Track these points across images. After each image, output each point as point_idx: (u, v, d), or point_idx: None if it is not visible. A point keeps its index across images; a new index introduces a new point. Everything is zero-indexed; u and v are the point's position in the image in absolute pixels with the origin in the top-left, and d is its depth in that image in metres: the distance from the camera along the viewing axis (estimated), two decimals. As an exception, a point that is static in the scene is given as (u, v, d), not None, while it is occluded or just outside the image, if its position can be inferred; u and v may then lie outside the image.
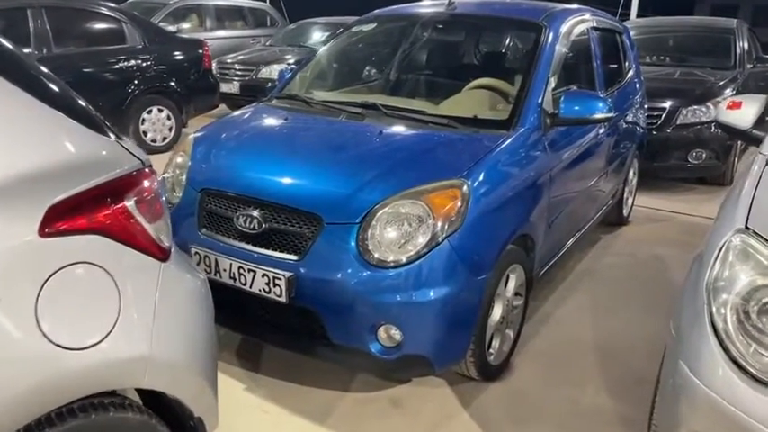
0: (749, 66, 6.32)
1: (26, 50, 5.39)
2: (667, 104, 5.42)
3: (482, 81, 3.24)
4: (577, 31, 3.39)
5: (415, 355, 2.23)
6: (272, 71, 8.17)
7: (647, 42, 7.02)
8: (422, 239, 2.19)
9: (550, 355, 2.90)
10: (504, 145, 2.55)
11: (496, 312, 2.53)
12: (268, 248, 2.31)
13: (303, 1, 15.06)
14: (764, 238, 1.66)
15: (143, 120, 6.32)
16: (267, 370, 2.65)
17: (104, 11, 6.12)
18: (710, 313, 1.64)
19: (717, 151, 5.37)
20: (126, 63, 6.13)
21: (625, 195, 4.55)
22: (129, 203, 1.48)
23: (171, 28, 9.62)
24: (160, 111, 6.46)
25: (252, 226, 2.34)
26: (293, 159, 2.49)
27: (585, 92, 2.96)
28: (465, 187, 2.27)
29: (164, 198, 1.68)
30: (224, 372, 2.62)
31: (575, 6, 3.63)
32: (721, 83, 5.75)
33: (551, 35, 3.06)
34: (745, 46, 6.47)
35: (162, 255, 1.56)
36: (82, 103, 1.58)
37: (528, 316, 3.17)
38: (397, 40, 3.80)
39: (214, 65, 9.34)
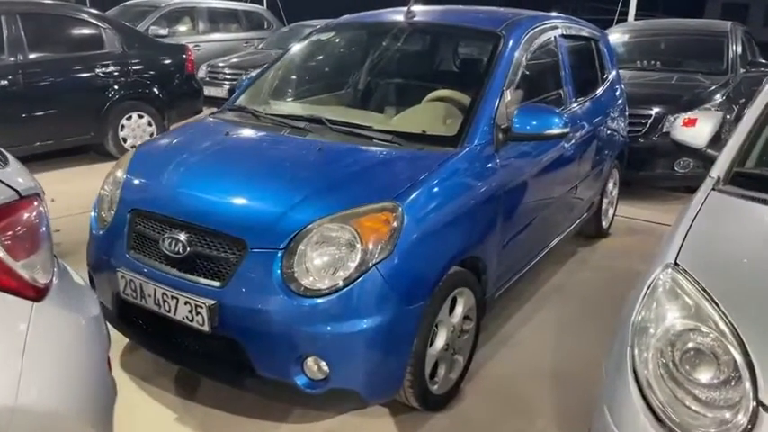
0: (742, 70, 6.14)
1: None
2: (653, 111, 5.26)
3: (441, 93, 3.11)
4: (542, 39, 3.26)
5: (343, 388, 2.11)
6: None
7: (638, 46, 6.87)
8: (350, 266, 2.06)
9: (505, 381, 2.76)
10: (447, 164, 2.42)
11: (440, 340, 2.40)
12: (192, 274, 2.21)
13: (301, 4, 15.00)
14: (692, 277, 1.52)
15: (122, 126, 6.24)
16: (203, 398, 2.54)
17: (82, 16, 6.05)
18: (633, 357, 1.51)
19: (704, 160, 5.20)
20: (104, 69, 6.04)
21: (604, 207, 4.39)
22: (-9, 241, 1.37)
23: (162, 31, 9.56)
24: (140, 117, 6.38)
25: (177, 249, 2.23)
26: (223, 179, 2.38)
27: (540, 106, 2.83)
28: (398, 210, 2.14)
29: (45, 228, 1.57)
30: (158, 400, 2.53)
31: (542, 13, 3.49)
32: (711, 88, 5.58)
33: (509, 45, 2.92)
34: (739, 50, 6.28)
35: (35, 293, 1.45)
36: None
37: (487, 337, 3.06)
38: (356, 49, 3.68)
39: (204, 68, 9.34)
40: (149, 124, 6.45)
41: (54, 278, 1.57)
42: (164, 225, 2.30)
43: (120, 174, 2.61)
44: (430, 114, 2.93)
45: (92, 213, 2.65)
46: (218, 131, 2.80)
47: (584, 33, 3.99)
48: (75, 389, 1.53)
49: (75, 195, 4.76)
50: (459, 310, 2.50)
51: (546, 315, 3.36)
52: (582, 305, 3.50)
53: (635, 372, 1.48)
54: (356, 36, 3.73)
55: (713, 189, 1.88)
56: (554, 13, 3.83)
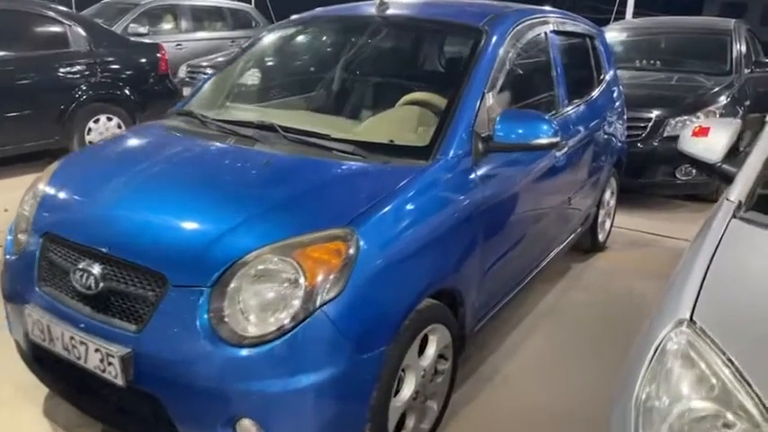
0: (747, 71, 5.78)
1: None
2: (654, 114, 4.90)
3: (415, 96, 2.74)
4: (531, 35, 2.89)
5: (284, 456, 1.74)
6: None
7: (637, 45, 6.51)
8: (292, 308, 1.70)
9: (489, 426, 2.40)
10: (416, 180, 2.06)
11: (407, 388, 2.03)
12: (106, 314, 1.84)
13: (291, 2, 14.60)
14: (714, 341, 1.16)
15: (89, 129, 5.86)
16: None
17: (44, 12, 5.65)
18: (638, 447, 1.15)
19: (722, 179, 4.82)
20: (69, 68, 5.66)
21: (600, 218, 4.03)
22: None
23: (142, 30, 9.19)
24: (109, 119, 5.99)
25: (88, 284, 1.86)
26: (146, 200, 2.00)
27: (527, 112, 2.46)
28: (352, 238, 1.77)
29: None
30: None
31: (532, 7, 3.12)
32: (715, 90, 5.23)
33: (492, 41, 2.55)
34: (743, 49, 5.93)
35: None
36: None
37: (469, 373, 2.70)
38: (323, 46, 3.31)
39: (184, 68, 8.94)
40: (119, 127, 6.05)
41: None
42: (76, 254, 1.93)
43: (39, 188, 2.25)
44: (401, 121, 2.56)
45: (8, 235, 2.28)
46: (155, 141, 2.43)
47: (578, 30, 3.63)
48: None
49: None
50: (430, 350, 2.13)
51: (535, 344, 3.00)
52: (576, 331, 3.14)
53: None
54: (323, 31, 3.35)
55: (734, 217, 1.51)
56: (546, 7, 3.46)
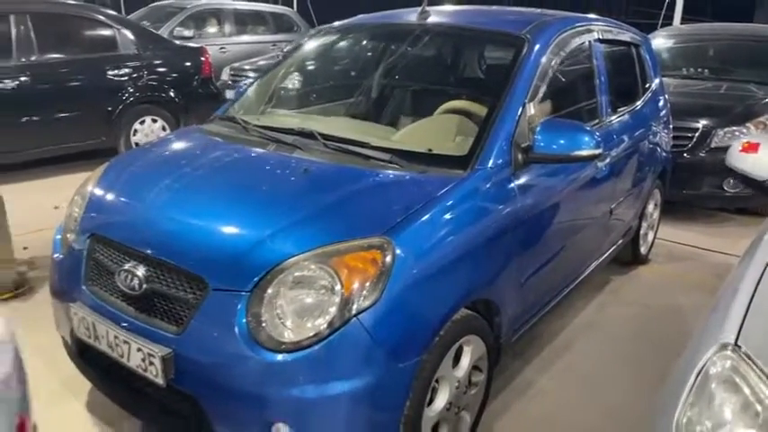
0: (801, 80, 5.56)
1: (7, 58, 5.16)
2: (701, 124, 4.76)
3: (455, 104, 2.74)
4: (574, 44, 2.84)
5: (317, 462, 1.76)
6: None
7: (684, 52, 6.34)
8: (328, 316, 1.71)
9: (520, 440, 2.38)
10: (454, 190, 2.05)
11: (441, 399, 2.02)
12: (148, 315, 1.89)
13: (332, 6, 14.74)
14: (759, 367, 1.12)
15: (135, 130, 6.03)
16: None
17: (95, 16, 5.85)
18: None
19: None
20: (117, 71, 5.84)
21: (643, 231, 3.94)
22: None
23: (188, 33, 9.41)
24: (154, 121, 6.16)
25: (132, 285, 1.91)
26: (190, 204, 2.05)
27: (568, 122, 2.42)
28: (389, 247, 1.78)
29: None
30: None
31: (576, 15, 3.08)
32: (766, 100, 5.04)
33: (535, 50, 2.52)
34: (797, 57, 5.71)
35: None
36: None
37: (504, 383, 2.67)
38: (364, 54, 3.33)
39: (227, 71, 9.12)
40: (163, 129, 6.22)
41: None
42: (122, 255, 1.99)
43: (87, 189, 2.32)
44: (439, 129, 2.56)
45: (56, 235, 2.37)
46: (198, 146, 2.48)
47: (623, 38, 3.55)
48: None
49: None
50: (465, 361, 2.12)
51: (572, 359, 2.94)
52: (614, 348, 3.06)
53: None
54: (364, 39, 3.37)
55: (785, 237, 1.46)
56: (590, 15, 3.41)
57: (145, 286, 1.88)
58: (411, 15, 3.01)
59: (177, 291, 1.84)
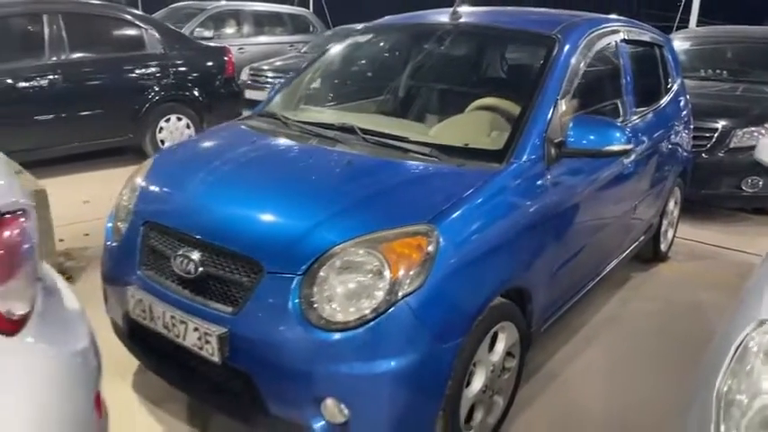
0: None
1: (40, 57, 5.31)
2: (720, 125, 4.83)
3: (487, 101, 2.83)
4: (602, 44, 2.94)
5: (365, 435, 1.86)
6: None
7: (702, 54, 6.40)
8: (377, 298, 1.81)
9: (548, 427, 2.46)
10: (492, 182, 2.15)
11: (477, 381, 2.12)
12: (204, 297, 1.99)
13: (347, 7, 14.88)
14: (797, 342, 1.21)
15: (161, 128, 6.17)
16: (216, 428, 2.33)
17: (123, 17, 6.00)
18: (718, 436, 1.21)
19: None
20: (144, 70, 5.99)
21: (663, 228, 4.01)
22: (-47, 266, 1.18)
23: (208, 33, 9.56)
24: (179, 119, 6.29)
25: (188, 269, 2.02)
26: (241, 193, 2.16)
27: (599, 118, 2.51)
28: (433, 234, 1.88)
29: (28, 249, 1.37)
30: (168, 427, 2.34)
31: (602, 16, 3.17)
32: (784, 101, 5.11)
33: (566, 50, 2.62)
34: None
35: (7, 327, 1.26)
36: None
37: (530, 373, 2.75)
38: (396, 53, 3.43)
39: (246, 71, 9.26)
40: (187, 126, 6.36)
41: (35, 306, 1.37)
42: (176, 241, 2.10)
43: (137, 181, 2.44)
44: (473, 125, 2.66)
45: (108, 223, 2.48)
46: (242, 140, 2.59)
47: (647, 38, 3.64)
48: (52, 429, 1.33)
49: (108, 198, 4.62)
50: (500, 346, 2.21)
51: (596, 351, 3.03)
52: (636, 341, 3.14)
53: (722, 456, 1.18)
54: (397, 38, 3.48)
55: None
56: (614, 16, 3.50)
57: (200, 270, 1.99)
58: (442, 16, 3.11)
59: (232, 274, 1.94)
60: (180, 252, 2.05)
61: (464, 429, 2.11)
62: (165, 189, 2.32)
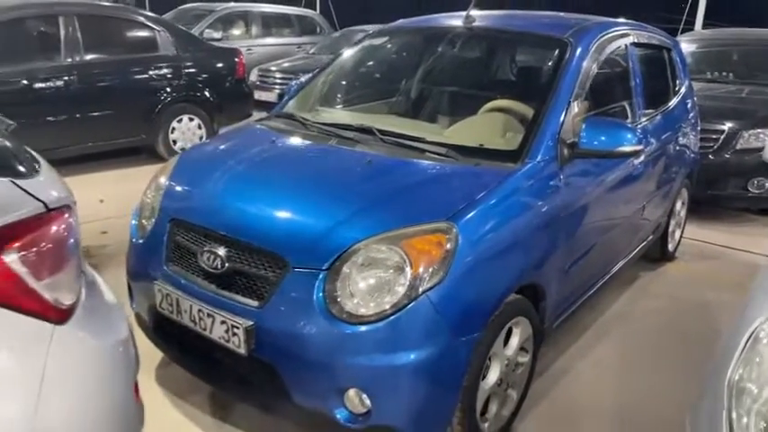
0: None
1: (56, 58, 5.40)
2: (726, 126, 4.89)
3: (500, 103, 2.90)
4: (612, 47, 3.00)
5: (385, 425, 1.92)
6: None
7: (708, 56, 6.46)
8: (398, 292, 1.88)
9: (560, 420, 2.53)
10: (507, 181, 2.22)
11: (493, 374, 2.19)
12: (230, 291, 2.07)
13: (353, 9, 14.97)
14: (807, 332, 1.28)
15: (173, 128, 6.26)
16: (237, 420, 2.40)
17: (137, 18, 6.10)
18: (730, 421, 1.28)
19: None
20: (157, 71, 6.07)
21: (671, 228, 4.07)
22: (10, 257, 1.26)
23: (216, 35, 9.63)
24: (191, 119, 6.38)
25: (215, 264, 2.10)
26: (266, 191, 2.24)
27: (611, 120, 2.58)
28: (452, 232, 1.95)
29: (73, 243, 1.44)
30: (191, 419, 2.41)
31: (612, 20, 3.24)
32: (790, 103, 5.16)
33: (578, 53, 2.69)
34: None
35: (57, 316, 1.33)
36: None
37: (542, 369, 2.82)
38: (410, 56, 3.51)
39: (255, 72, 9.35)
40: (199, 127, 6.44)
41: (81, 297, 1.45)
42: (203, 237, 2.18)
43: (162, 180, 2.51)
44: (488, 126, 2.73)
45: (132, 221, 2.56)
46: (264, 139, 2.67)
47: (655, 42, 3.71)
48: (96, 418, 1.40)
49: (123, 197, 4.75)
50: (514, 341, 2.28)
51: (606, 348, 3.09)
52: (645, 338, 3.21)
53: (734, 440, 1.25)
54: (411, 41, 3.56)
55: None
56: (623, 20, 3.57)
57: (227, 265, 2.07)
58: (455, 19, 3.18)
59: (258, 269, 2.02)
60: (206, 248, 2.13)
61: (480, 421, 2.18)
62: (190, 187, 2.40)
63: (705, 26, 9.55)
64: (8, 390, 1.23)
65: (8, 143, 1.57)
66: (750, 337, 1.35)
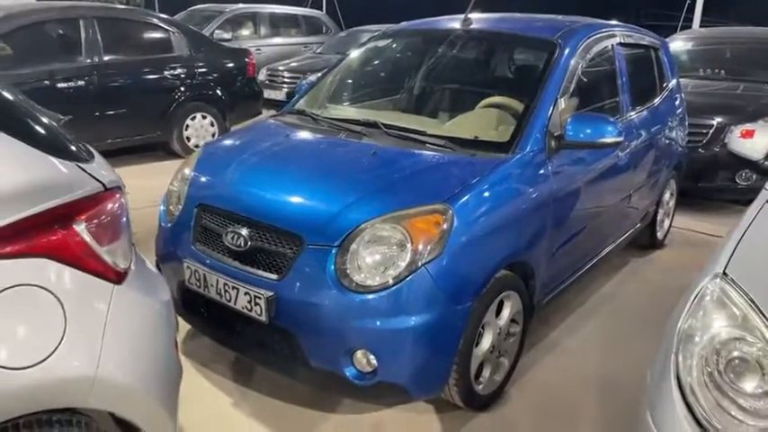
0: (814, 81, 5.88)
1: (77, 59, 5.69)
2: (715, 121, 5.12)
3: (495, 99, 3.16)
4: (599, 48, 3.25)
5: (390, 382, 2.19)
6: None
7: (702, 54, 6.68)
8: (400, 265, 2.15)
9: (549, 386, 2.78)
10: (499, 169, 2.48)
11: (486, 341, 2.45)
12: (252, 266, 2.34)
13: (359, 10, 15.25)
14: (740, 287, 1.53)
15: (187, 126, 6.54)
16: (257, 386, 2.67)
17: (153, 21, 6.39)
18: (677, 364, 1.54)
19: (761, 173, 5.01)
20: (172, 71, 6.36)
21: (659, 217, 4.32)
22: (80, 227, 1.52)
23: (226, 35, 9.92)
24: (204, 117, 6.66)
25: (239, 243, 2.37)
26: (283, 178, 2.51)
27: (594, 115, 2.83)
28: (448, 213, 2.21)
29: (125, 218, 1.72)
30: (216, 385, 2.68)
31: (601, 21, 3.48)
32: (779, 99, 5.39)
33: (565, 53, 2.94)
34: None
35: (115, 277, 1.60)
36: (41, 126, 1.64)
37: (533, 342, 3.08)
38: (412, 56, 3.77)
39: (264, 71, 9.62)
40: (212, 125, 6.73)
41: (132, 264, 1.71)
42: (227, 220, 2.44)
43: (187, 171, 2.78)
44: (483, 120, 2.99)
45: (161, 207, 2.83)
46: (279, 133, 2.94)
47: (643, 42, 3.95)
48: (147, 366, 1.66)
49: (141, 190, 5.03)
50: (505, 312, 2.54)
51: (593, 325, 3.35)
52: (631, 318, 3.46)
53: (678, 379, 1.51)
54: (412, 43, 3.82)
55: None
56: (613, 21, 3.82)
57: (249, 243, 2.34)
58: (454, 22, 3.44)
59: (277, 246, 2.28)
60: (230, 229, 2.40)
61: (474, 384, 2.45)
62: (214, 176, 2.67)
63: (703, 24, 9.76)
64: (78, 337, 1.49)
65: (68, 134, 1.83)
66: (697, 295, 1.61)
